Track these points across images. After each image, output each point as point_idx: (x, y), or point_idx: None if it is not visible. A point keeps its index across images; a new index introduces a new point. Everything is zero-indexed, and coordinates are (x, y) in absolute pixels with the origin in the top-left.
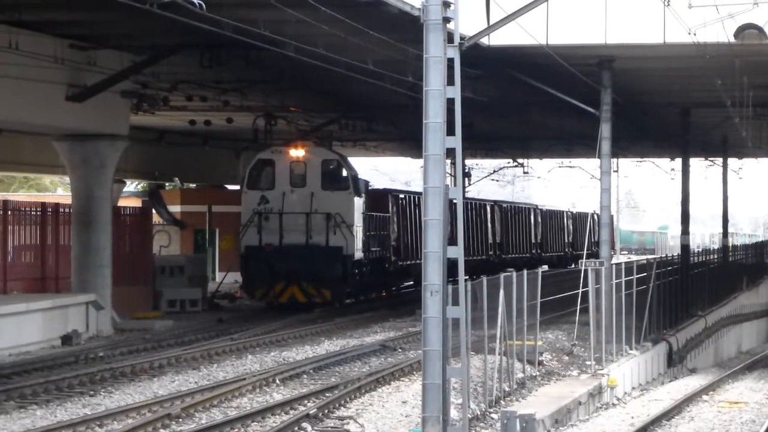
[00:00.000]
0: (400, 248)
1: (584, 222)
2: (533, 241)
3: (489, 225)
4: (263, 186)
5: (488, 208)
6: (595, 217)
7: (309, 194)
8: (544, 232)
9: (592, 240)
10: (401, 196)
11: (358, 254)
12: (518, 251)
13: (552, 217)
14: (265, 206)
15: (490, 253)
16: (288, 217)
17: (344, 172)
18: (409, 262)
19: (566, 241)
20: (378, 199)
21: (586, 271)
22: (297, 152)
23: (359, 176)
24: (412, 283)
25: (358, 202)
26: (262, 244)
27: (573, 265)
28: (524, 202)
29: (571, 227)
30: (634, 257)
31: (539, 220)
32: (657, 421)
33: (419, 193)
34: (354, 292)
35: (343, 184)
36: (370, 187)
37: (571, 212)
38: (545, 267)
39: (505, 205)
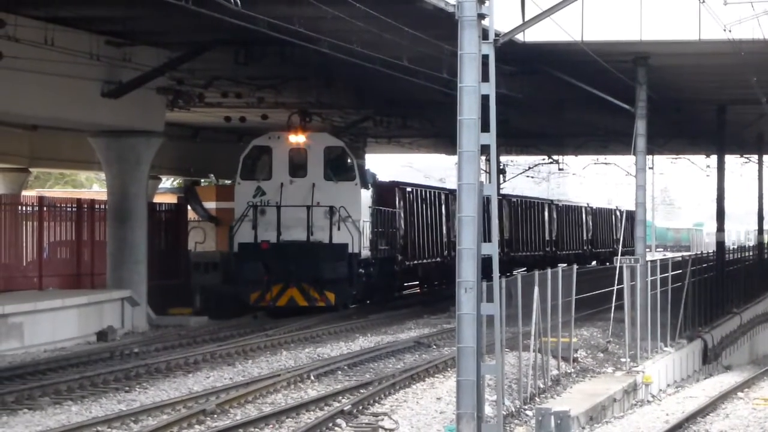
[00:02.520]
0: (407, 247)
1: (605, 218)
2: (547, 238)
3: (496, 221)
4: (259, 176)
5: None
6: (617, 213)
7: (310, 185)
8: (560, 228)
9: (614, 237)
10: (408, 189)
11: (366, 252)
12: (530, 249)
13: (569, 213)
14: (261, 198)
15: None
16: (286, 210)
17: (350, 161)
18: (416, 262)
19: (584, 238)
20: (384, 192)
21: (621, 268)
22: (297, 138)
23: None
24: (417, 284)
25: (366, 195)
26: (257, 241)
27: (594, 263)
28: (537, 196)
29: (590, 223)
30: (669, 254)
31: (554, 215)
32: (692, 418)
33: (428, 187)
34: (361, 295)
35: (348, 174)
36: (377, 180)
37: (591, 207)
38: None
39: (514, 199)
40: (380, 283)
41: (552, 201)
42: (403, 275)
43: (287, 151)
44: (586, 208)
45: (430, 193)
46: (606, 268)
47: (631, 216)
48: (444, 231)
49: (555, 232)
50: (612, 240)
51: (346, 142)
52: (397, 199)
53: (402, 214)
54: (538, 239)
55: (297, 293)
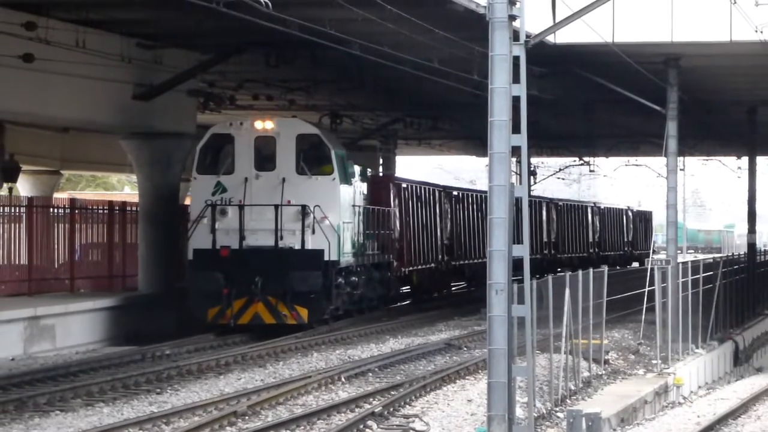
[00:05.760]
0: (403, 251)
1: (615, 219)
2: (545, 240)
3: None
4: (219, 170)
5: None
6: (630, 213)
7: (280, 180)
8: (561, 230)
9: (624, 239)
10: (404, 185)
11: (347, 259)
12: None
13: (571, 213)
14: (221, 196)
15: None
16: (251, 210)
17: (327, 152)
18: (411, 269)
19: (590, 240)
20: (377, 188)
21: (652, 269)
22: (264, 125)
23: (347, 156)
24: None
25: (346, 192)
26: (216, 248)
27: (606, 267)
28: (538, 195)
29: (597, 224)
30: (700, 256)
31: (554, 216)
32: (723, 420)
33: (425, 183)
34: (341, 309)
35: (325, 167)
36: (369, 174)
37: (598, 207)
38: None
39: None
40: (370, 293)
41: (551, 199)
42: (398, 284)
43: (252, 140)
44: (592, 207)
45: (425, 190)
46: (625, 272)
47: (643, 216)
48: (438, 233)
49: (554, 234)
50: (622, 242)
51: (325, 128)
52: (391, 196)
53: (397, 214)
54: (536, 242)
55: (263, 309)
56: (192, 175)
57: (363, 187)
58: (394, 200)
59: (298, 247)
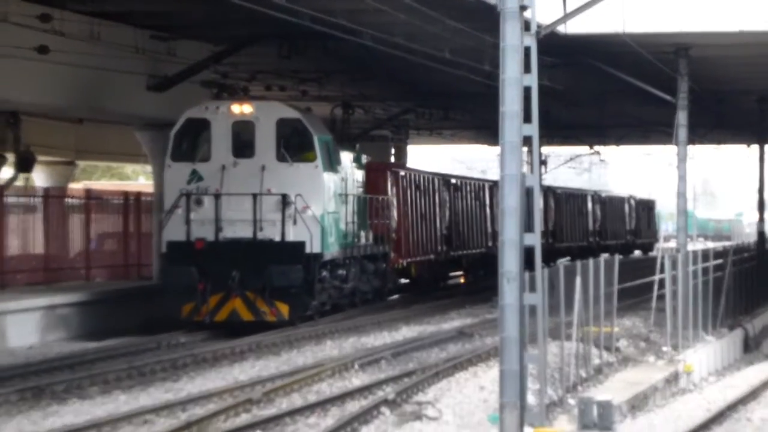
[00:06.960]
0: (400, 242)
1: (617, 207)
2: (542, 228)
3: (488, 210)
4: (195, 156)
5: (486, 190)
6: (632, 201)
7: (259, 168)
8: (558, 218)
9: (627, 228)
10: (402, 173)
11: (332, 251)
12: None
13: (571, 201)
14: (196, 185)
15: (490, 245)
16: (229, 200)
17: (309, 137)
18: (410, 260)
19: (590, 229)
20: (374, 177)
21: (662, 257)
22: (241, 108)
23: (330, 140)
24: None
25: (331, 180)
26: (191, 240)
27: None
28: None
29: (597, 213)
30: (710, 244)
31: (551, 204)
32: (733, 406)
33: (423, 171)
34: (328, 304)
35: (307, 154)
36: (364, 160)
37: (599, 195)
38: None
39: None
40: (364, 286)
41: (549, 187)
42: (395, 276)
43: (230, 125)
44: (592, 195)
45: (424, 178)
46: (629, 261)
47: (646, 205)
48: (437, 223)
49: (552, 222)
50: (625, 231)
51: (307, 112)
52: (389, 184)
53: (395, 203)
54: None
55: (240, 305)
56: (166, 163)
57: (359, 175)
58: (391, 189)
59: (278, 239)
